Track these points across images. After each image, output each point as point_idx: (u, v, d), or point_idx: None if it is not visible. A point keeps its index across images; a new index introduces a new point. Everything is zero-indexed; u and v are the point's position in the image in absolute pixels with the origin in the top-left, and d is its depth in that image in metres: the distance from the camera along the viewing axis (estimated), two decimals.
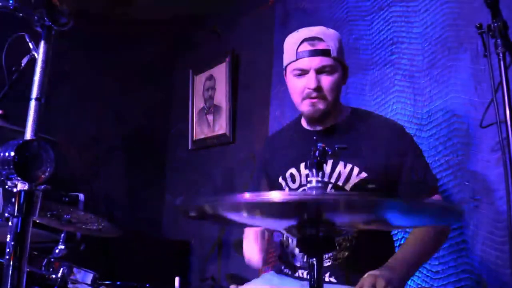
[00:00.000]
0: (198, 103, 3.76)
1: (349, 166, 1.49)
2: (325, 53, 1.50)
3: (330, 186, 1.50)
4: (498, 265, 1.66)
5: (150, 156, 4.05)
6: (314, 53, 1.50)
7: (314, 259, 0.91)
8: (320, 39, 1.51)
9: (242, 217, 1.01)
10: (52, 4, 0.74)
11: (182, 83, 3.99)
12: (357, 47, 2.39)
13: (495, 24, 1.14)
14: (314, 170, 1.01)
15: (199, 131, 3.72)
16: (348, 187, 1.48)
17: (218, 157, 3.50)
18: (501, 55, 1.13)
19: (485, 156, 1.74)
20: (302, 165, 1.57)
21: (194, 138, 3.78)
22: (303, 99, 1.53)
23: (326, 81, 1.51)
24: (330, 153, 1.07)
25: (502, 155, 1.09)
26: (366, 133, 1.55)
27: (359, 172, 1.48)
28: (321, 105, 1.52)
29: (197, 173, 3.73)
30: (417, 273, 1.92)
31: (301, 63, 1.51)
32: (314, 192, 0.98)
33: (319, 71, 1.50)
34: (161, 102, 4.18)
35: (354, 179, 1.48)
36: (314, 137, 1.06)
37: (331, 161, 1.50)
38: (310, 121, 1.61)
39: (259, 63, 3.16)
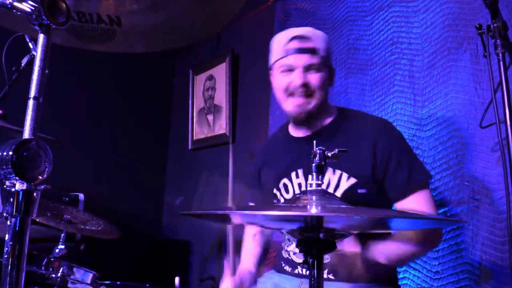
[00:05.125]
0: (198, 103, 3.76)
1: (338, 172, 1.47)
2: (313, 51, 1.50)
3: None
4: (498, 265, 1.66)
5: (150, 155, 4.05)
6: (303, 50, 1.51)
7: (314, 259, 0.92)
8: (308, 38, 1.52)
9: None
10: (51, 2, 0.74)
11: (182, 83, 3.99)
12: (357, 47, 2.39)
13: (495, 25, 1.14)
14: (314, 174, 1.00)
15: (199, 131, 3.72)
16: (338, 193, 1.46)
17: (218, 157, 3.50)
18: (500, 55, 1.13)
19: (485, 156, 1.74)
20: (293, 174, 1.57)
21: (194, 138, 3.78)
22: (288, 96, 1.53)
23: (313, 78, 1.51)
24: (329, 155, 1.06)
25: (501, 155, 1.09)
26: (353, 135, 1.52)
27: (348, 178, 1.46)
28: (308, 105, 1.52)
29: (197, 173, 3.73)
30: (417, 273, 1.92)
31: (289, 60, 1.52)
32: (314, 198, 0.98)
33: (306, 68, 1.51)
34: (161, 102, 4.19)
35: (343, 186, 1.46)
36: (317, 146, 1.05)
37: None
38: (295, 121, 1.60)
39: (259, 63, 3.15)
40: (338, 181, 1.47)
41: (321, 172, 1.00)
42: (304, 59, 1.50)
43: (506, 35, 1.14)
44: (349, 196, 1.44)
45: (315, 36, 1.54)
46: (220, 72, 3.50)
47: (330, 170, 1.48)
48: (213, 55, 3.61)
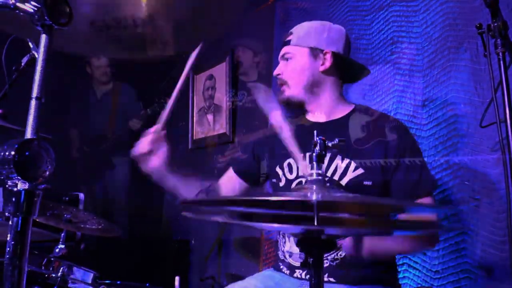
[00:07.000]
0: (198, 102, 3.76)
1: (346, 161, 1.49)
2: (286, 43, 1.62)
3: (325, 179, 1.49)
4: (498, 265, 1.66)
5: None
6: (282, 45, 1.64)
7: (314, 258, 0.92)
8: (291, 33, 1.63)
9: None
10: (53, 3, 0.74)
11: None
12: (357, 46, 2.39)
13: (495, 24, 1.14)
14: (314, 163, 1.00)
15: (199, 130, 3.72)
16: (344, 182, 1.48)
17: (218, 156, 3.50)
18: (500, 55, 1.13)
19: (485, 155, 1.75)
20: (301, 156, 1.57)
21: (194, 138, 3.78)
22: None
23: (285, 66, 1.61)
24: (330, 145, 1.06)
25: (502, 154, 1.09)
26: (367, 130, 1.54)
27: (356, 168, 1.48)
28: (285, 92, 1.60)
29: (197, 173, 3.72)
30: (417, 273, 1.92)
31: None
32: (314, 187, 0.98)
33: (283, 58, 1.62)
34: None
35: (350, 175, 1.48)
36: (315, 131, 1.05)
37: (329, 154, 1.47)
38: (285, 108, 1.64)
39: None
40: (345, 169, 1.48)
41: (320, 161, 1.00)
42: (281, 51, 1.63)
43: (506, 34, 1.15)
44: (354, 185, 1.46)
45: (299, 28, 1.63)
46: (220, 71, 3.50)
47: (339, 157, 1.50)
48: (213, 55, 3.61)
